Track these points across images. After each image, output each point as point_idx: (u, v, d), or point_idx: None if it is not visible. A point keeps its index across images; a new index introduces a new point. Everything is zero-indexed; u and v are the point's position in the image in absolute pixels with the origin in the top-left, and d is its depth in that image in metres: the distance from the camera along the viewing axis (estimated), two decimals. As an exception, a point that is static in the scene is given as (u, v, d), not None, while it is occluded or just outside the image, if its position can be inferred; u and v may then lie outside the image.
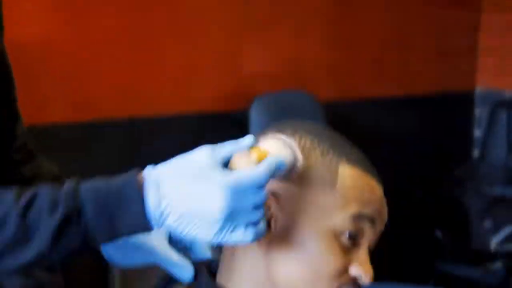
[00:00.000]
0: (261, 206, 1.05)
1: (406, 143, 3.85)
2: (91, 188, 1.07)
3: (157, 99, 2.89)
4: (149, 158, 2.92)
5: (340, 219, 1.10)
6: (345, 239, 1.10)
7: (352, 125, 2.82)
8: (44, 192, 1.08)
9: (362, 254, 1.12)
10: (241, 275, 1.14)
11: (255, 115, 3.06)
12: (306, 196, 1.10)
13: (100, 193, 1.06)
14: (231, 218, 1.03)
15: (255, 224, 1.05)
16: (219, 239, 1.04)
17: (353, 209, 1.10)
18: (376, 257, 1.15)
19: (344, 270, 1.10)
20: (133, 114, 2.81)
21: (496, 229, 3.74)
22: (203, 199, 1.03)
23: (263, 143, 1.12)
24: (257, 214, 1.04)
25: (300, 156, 1.11)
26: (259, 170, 1.05)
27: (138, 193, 1.05)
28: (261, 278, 1.12)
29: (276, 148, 1.11)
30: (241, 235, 1.04)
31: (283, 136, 1.13)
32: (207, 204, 1.03)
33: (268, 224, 1.11)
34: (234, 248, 1.15)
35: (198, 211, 1.03)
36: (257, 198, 1.04)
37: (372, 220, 1.12)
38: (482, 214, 3.76)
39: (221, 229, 1.03)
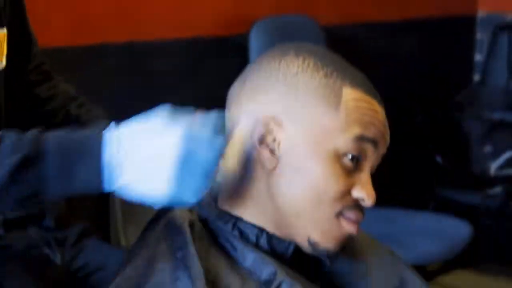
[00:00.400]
0: (216, 160, 1.07)
1: (407, 67, 3.83)
2: (56, 137, 1.08)
3: (156, 23, 2.86)
4: (148, 83, 2.90)
5: (343, 140, 1.10)
6: (347, 161, 1.10)
7: (353, 50, 2.79)
8: (9, 135, 1.08)
9: (365, 177, 1.13)
10: (244, 199, 1.14)
11: (255, 40, 3.03)
12: (309, 117, 1.10)
13: (64, 144, 1.07)
14: (184, 166, 1.04)
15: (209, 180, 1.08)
16: (172, 190, 1.06)
17: (355, 131, 1.10)
18: (376, 182, 1.15)
19: (347, 192, 1.11)
20: (132, 38, 2.78)
21: (496, 154, 3.74)
22: (158, 148, 1.04)
23: None
24: (212, 168, 1.07)
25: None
26: (207, 120, 1.07)
27: (99, 150, 1.06)
28: (265, 202, 1.13)
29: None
30: (194, 187, 1.06)
31: None
32: (161, 152, 1.04)
33: (271, 148, 1.11)
34: (237, 173, 1.14)
35: (152, 160, 1.04)
36: (213, 149, 1.06)
37: (374, 143, 1.12)
38: (482, 139, 3.76)
39: (174, 177, 1.04)
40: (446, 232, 3.07)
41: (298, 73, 1.12)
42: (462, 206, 3.66)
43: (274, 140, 1.11)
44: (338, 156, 1.10)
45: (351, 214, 1.12)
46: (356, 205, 1.12)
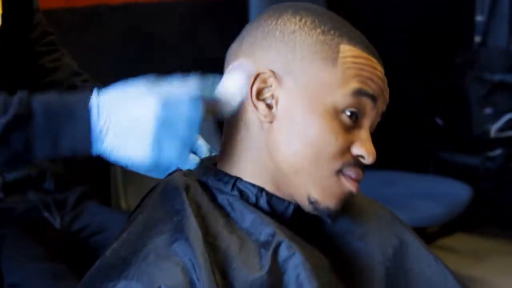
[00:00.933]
0: (196, 123, 1.07)
1: (408, 28, 3.81)
2: (43, 100, 1.08)
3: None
4: (147, 46, 2.88)
5: (341, 95, 1.09)
6: (346, 117, 1.10)
7: (352, 11, 2.78)
8: None
9: (364, 134, 1.12)
10: (243, 159, 1.14)
11: (255, 0, 3.02)
12: (306, 73, 1.10)
13: (51, 106, 1.08)
14: (164, 130, 1.05)
15: (190, 144, 1.09)
16: (155, 155, 1.06)
17: (354, 85, 1.10)
18: (376, 144, 1.14)
19: (346, 149, 1.11)
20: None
21: (496, 116, 3.74)
22: (137, 114, 1.06)
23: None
24: (193, 132, 1.07)
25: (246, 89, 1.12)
26: (189, 83, 1.07)
27: (86, 113, 1.07)
28: (264, 161, 1.13)
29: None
30: (176, 151, 1.07)
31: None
32: (140, 118, 1.05)
33: (270, 105, 1.11)
34: (235, 133, 1.15)
35: (133, 125, 1.06)
36: (192, 112, 1.06)
37: (373, 98, 1.12)
38: (483, 100, 3.76)
39: (155, 141, 1.05)
40: (446, 194, 3.08)
41: (296, 30, 1.12)
42: (462, 169, 3.66)
43: (272, 96, 1.11)
44: (336, 112, 1.09)
45: (351, 172, 1.11)
46: (356, 162, 1.12)
